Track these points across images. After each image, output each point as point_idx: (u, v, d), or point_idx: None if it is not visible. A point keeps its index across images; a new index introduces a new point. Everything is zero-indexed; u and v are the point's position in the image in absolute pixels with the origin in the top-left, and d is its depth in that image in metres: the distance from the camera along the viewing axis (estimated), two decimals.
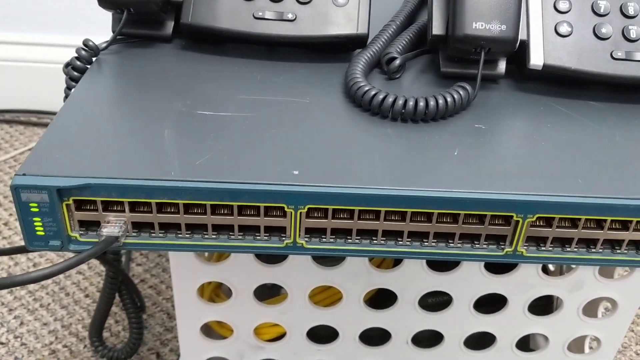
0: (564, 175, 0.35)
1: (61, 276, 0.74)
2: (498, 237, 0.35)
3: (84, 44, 0.44)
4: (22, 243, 0.78)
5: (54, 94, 1.07)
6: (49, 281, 0.73)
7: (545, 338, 0.51)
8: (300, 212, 0.34)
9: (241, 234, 0.35)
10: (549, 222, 0.35)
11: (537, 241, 0.36)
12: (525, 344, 0.58)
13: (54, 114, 1.07)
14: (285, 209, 0.34)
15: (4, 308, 0.70)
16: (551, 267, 0.66)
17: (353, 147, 0.36)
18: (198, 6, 0.45)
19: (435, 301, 0.51)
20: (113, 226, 0.33)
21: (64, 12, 1.02)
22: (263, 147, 0.36)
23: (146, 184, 0.32)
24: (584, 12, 0.43)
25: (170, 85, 0.42)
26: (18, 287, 0.72)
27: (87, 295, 0.71)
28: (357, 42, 0.45)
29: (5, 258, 0.76)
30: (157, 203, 0.33)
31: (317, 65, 0.46)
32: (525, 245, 0.35)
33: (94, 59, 0.45)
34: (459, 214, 0.34)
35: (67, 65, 0.44)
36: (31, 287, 0.72)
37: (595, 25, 0.42)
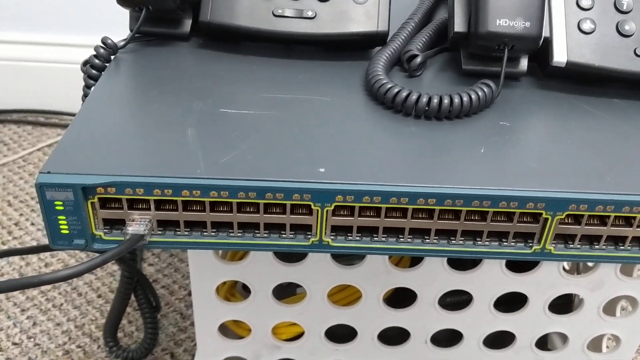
0: (592, 172, 0.35)
1: None
2: (526, 234, 0.35)
3: (103, 42, 0.44)
4: (34, 243, 0.78)
5: (62, 94, 1.07)
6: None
7: (564, 338, 0.51)
8: (327, 210, 0.33)
9: (267, 232, 0.35)
10: (577, 219, 0.34)
11: (565, 239, 0.36)
12: (543, 344, 0.58)
13: (62, 114, 1.07)
14: (312, 207, 0.33)
15: (17, 308, 0.69)
16: (566, 265, 0.66)
17: (378, 145, 0.36)
18: (217, 4, 0.45)
19: (454, 300, 0.50)
20: (138, 224, 0.33)
21: (72, 12, 1.02)
22: (287, 145, 0.35)
23: (173, 182, 0.32)
24: (607, 9, 0.42)
25: (190, 84, 0.41)
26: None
27: (99, 296, 0.71)
28: (377, 39, 0.45)
29: (16, 258, 0.75)
30: (182, 201, 0.33)
31: (336, 63, 0.46)
32: (553, 243, 0.35)
33: (112, 57, 0.44)
34: (487, 212, 0.34)
35: (85, 63, 0.44)
36: (43, 287, 0.72)
37: (618, 23, 0.42)
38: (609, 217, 0.34)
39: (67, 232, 0.33)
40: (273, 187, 0.32)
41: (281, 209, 0.34)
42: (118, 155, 0.33)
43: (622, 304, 0.53)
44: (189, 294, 0.72)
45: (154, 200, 0.33)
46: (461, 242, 0.35)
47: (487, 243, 0.35)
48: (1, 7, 1.03)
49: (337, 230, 0.35)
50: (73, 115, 1.06)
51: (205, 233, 0.35)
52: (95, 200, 0.33)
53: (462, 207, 0.33)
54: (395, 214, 0.34)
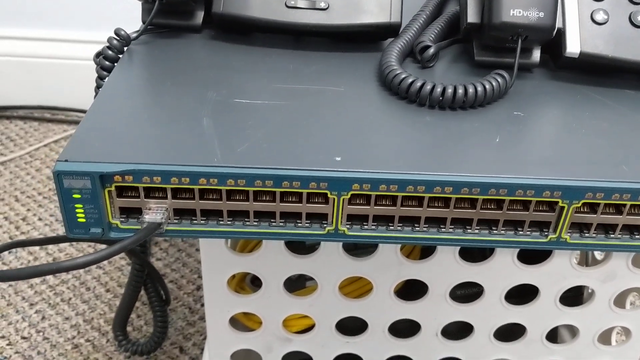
0: (607, 162, 0.35)
1: (81, 271, 0.73)
2: (542, 223, 0.35)
3: (116, 33, 0.44)
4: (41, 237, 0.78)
5: (68, 90, 1.07)
6: (69, 276, 0.73)
7: (574, 332, 0.51)
8: (343, 199, 0.33)
9: (282, 221, 0.35)
10: (593, 208, 0.34)
11: (580, 228, 0.36)
12: (554, 337, 0.58)
13: (68, 110, 1.07)
14: (328, 195, 0.33)
15: (25, 303, 0.69)
16: (575, 258, 0.66)
17: (393, 134, 0.36)
18: None
19: (465, 293, 0.50)
20: (155, 213, 0.33)
21: (78, 8, 1.02)
22: (302, 135, 0.35)
23: (191, 170, 0.32)
24: (620, 0, 0.42)
25: (203, 75, 0.41)
26: (38, 282, 0.72)
27: (107, 290, 0.71)
28: (390, 31, 0.45)
29: (24, 253, 0.75)
30: (199, 189, 0.33)
31: (348, 54, 0.46)
32: (569, 232, 0.35)
33: (125, 48, 0.44)
34: (504, 201, 0.34)
35: (98, 55, 0.44)
36: (51, 281, 0.72)
37: (631, 13, 0.42)
38: (625, 205, 0.34)
39: (84, 220, 0.33)
40: (290, 175, 0.32)
41: (297, 198, 0.34)
42: (135, 144, 0.33)
43: (631, 299, 0.54)
44: (197, 289, 0.72)
45: (171, 188, 0.33)
46: (477, 231, 0.35)
47: (502, 232, 0.35)
48: (6, 3, 1.03)
49: (352, 219, 0.35)
50: (79, 111, 1.06)
51: (221, 222, 0.35)
52: (113, 188, 0.33)
53: (478, 195, 0.33)
54: (411, 202, 0.34)
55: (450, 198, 0.34)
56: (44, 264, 0.28)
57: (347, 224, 0.35)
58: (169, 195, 0.33)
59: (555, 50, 0.43)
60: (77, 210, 0.33)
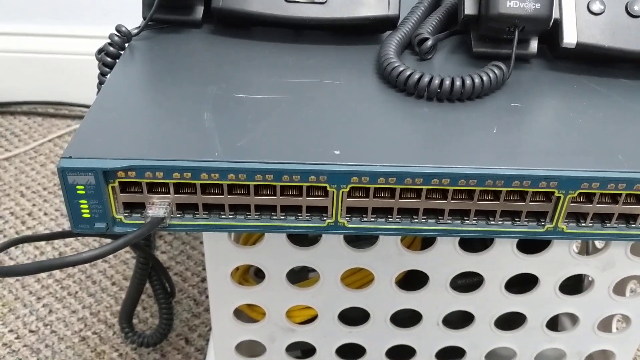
0: (603, 151, 0.35)
1: (87, 265, 0.74)
2: (539, 213, 0.36)
3: (117, 30, 0.44)
4: (46, 232, 0.78)
5: (71, 85, 1.07)
6: (76, 270, 0.74)
7: (574, 319, 0.52)
8: (343, 192, 0.34)
9: (283, 214, 0.35)
10: (589, 198, 0.35)
11: (577, 217, 0.36)
12: (554, 325, 0.58)
13: (71, 105, 1.08)
14: (328, 189, 0.34)
15: (32, 297, 0.70)
16: (575, 247, 0.66)
17: (391, 127, 0.37)
18: None
19: (465, 282, 0.51)
20: (158, 207, 0.34)
21: (80, 3, 1.03)
22: (302, 128, 0.36)
23: (192, 165, 0.32)
24: None
25: (203, 70, 0.42)
26: (45, 276, 0.73)
27: (114, 283, 0.72)
28: (388, 23, 0.45)
29: (31, 247, 0.76)
30: (201, 184, 0.34)
31: (347, 47, 0.46)
32: (565, 222, 0.36)
33: (126, 44, 0.45)
34: (501, 191, 0.34)
35: (99, 51, 0.45)
36: (58, 275, 0.73)
37: (627, 3, 0.42)
38: (620, 195, 0.34)
39: (88, 215, 0.34)
40: (289, 169, 0.33)
41: (297, 191, 0.35)
42: (137, 139, 0.34)
43: (632, 286, 0.54)
44: (202, 281, 0.73)
45: (173, 183, 0.34)
46: (474, 222, 0.36)
47: (500, 222, 0.36)
48: None
49: (352, 211, 0.36)
50: (83, 106, 1.07)
51: (223, 216, 0.35)
52: (116, 184, 0.33)
53: (475, 186, 0.34)
54: (410, 194, 0.35)
55: (447, 190, 0.34)
56: (49, 259, 0.29)
57: (346, 217, 0.36)
58: (172, 190, 0.34)
59: (553, 40, 0.44)
60: (82, 206, 0.34)
